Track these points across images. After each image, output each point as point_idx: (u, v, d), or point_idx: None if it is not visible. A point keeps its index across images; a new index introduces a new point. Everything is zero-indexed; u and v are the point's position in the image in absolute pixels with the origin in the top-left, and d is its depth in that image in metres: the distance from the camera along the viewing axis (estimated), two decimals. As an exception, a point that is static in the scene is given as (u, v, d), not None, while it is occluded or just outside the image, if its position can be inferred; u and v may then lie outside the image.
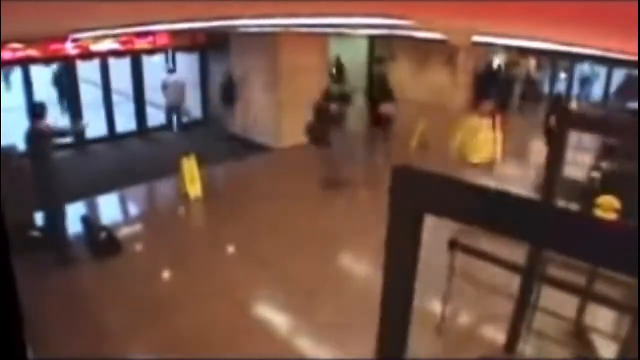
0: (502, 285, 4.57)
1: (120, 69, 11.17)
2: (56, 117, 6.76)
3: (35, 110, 5.81)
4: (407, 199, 1.05)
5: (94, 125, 10.65)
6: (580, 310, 4.28)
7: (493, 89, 14.62)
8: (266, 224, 7.13)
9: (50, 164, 5.74)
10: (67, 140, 9.18)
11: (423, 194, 1.03)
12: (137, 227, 7.51)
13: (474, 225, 0.98)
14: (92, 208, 7.74)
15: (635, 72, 12.26)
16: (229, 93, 11.19)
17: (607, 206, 4.12)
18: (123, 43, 10.08)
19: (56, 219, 5.93)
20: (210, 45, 11.52)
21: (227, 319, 5.01)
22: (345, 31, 8.57)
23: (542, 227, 0.92)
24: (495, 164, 9.44)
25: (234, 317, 5.05)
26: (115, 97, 11.24)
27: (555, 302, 4.11)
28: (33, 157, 5.76)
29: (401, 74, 16.17)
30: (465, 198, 0.98)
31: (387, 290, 1.18)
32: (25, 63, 9.37)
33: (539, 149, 12.42)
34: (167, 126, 11.79)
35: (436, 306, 4.57)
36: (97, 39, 9.09)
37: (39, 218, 6.47)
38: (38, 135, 5.65)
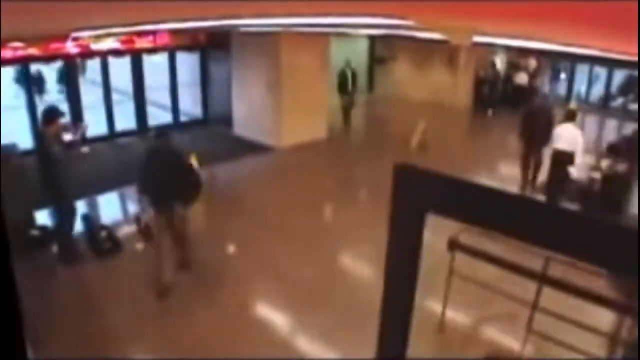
0: (502, 285, 4.56)
1: (121, 68, 11.16)
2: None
3: (47, 116, 5.57)
4: (409, 197, 1.04)
5: (94, 125, 10.67)
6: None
7: (492, 90, 14.63)
8: (267, 223, 7.13)
9: (61, 165, 5.63)
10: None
11: (426, 192, 1.03)
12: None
13: (476, 225, 0.98)
14: (93, 207, 7.73)
15: (636, 72, 12.26)
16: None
17: None
18: (124, 42, 10.08)
19: (64, 217, 5.92)
20: (211, 45, 11.51)
21: (228, 318, 5.02)
22: (346, 31, 8.56)
23: (545, 227, 0.92)
24: None
25: (235, 316, 5.05)
26: (115, 97, 11.23)
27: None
28: (43, 158, 5.64)
29: (401, 74, 16.18)
30: (468, 197, 0.98)
31: (388, 291, 1.17)
32: (25, 62, 9.37)
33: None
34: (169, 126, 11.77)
35: (436, 306, 4.57)
36: (98, 38, 9.09)
37: (39, 217, 6.47)
38: (48, 140, 5.54)
